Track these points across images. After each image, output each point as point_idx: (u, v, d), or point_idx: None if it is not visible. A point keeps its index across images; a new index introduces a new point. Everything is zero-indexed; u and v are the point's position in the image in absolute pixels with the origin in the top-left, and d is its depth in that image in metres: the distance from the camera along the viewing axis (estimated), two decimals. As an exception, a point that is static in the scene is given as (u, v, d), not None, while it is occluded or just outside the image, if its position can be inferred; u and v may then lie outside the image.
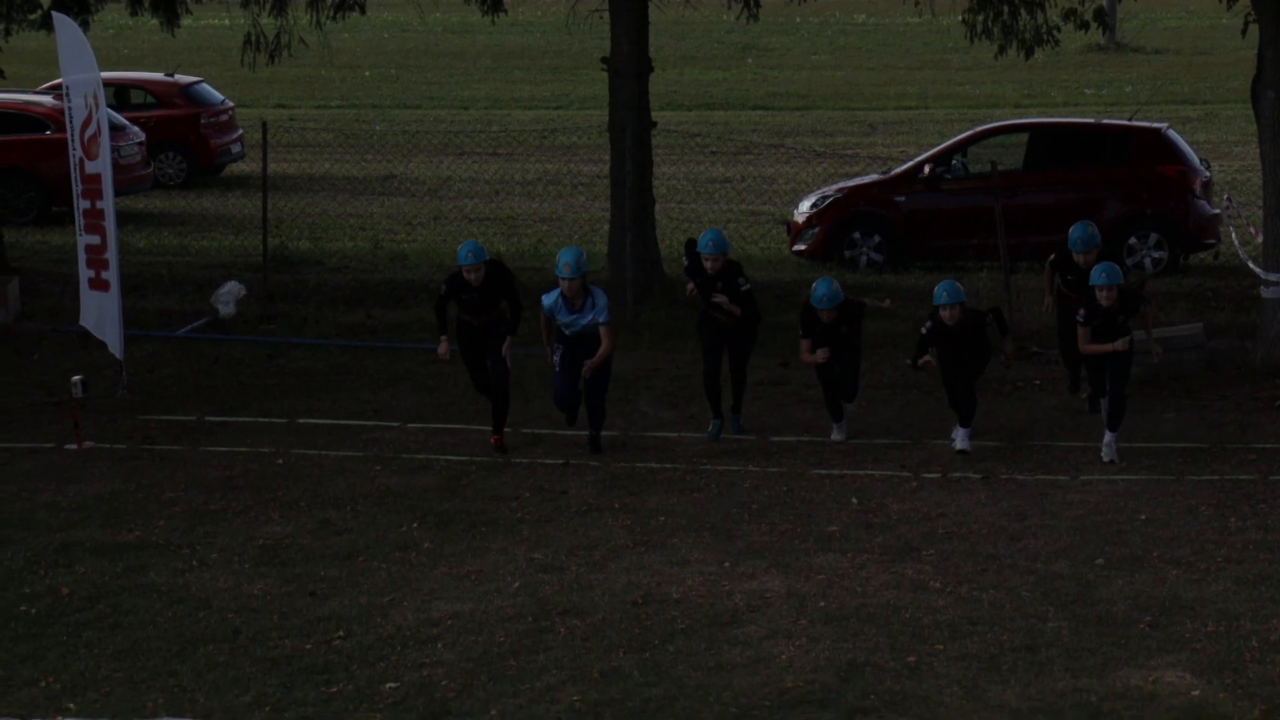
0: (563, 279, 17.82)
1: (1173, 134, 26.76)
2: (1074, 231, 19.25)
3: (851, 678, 12.22)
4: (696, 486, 16.61)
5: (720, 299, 18.74)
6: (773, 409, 19.47)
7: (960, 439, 17.96)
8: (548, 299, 18.07)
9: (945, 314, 17.98)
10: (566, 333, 17.86)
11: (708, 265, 18.66)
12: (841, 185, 27.99)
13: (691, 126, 38.05)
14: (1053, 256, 19.91)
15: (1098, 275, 17.53)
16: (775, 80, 53.84)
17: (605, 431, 18.46)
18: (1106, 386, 17.77)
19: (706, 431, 19.07)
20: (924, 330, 18.56)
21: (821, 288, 18.78)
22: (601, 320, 17.71)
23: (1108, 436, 17.47)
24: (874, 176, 28.34)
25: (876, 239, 26.57)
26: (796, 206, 28.05)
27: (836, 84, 52.56)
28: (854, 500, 15.70)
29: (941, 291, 18.10)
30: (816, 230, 27.03)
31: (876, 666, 12.15)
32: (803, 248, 27.10)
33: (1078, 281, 18.74)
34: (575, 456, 17.40)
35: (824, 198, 27.49)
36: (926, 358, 18.34)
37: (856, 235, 26.72)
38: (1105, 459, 17.28)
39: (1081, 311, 17.62)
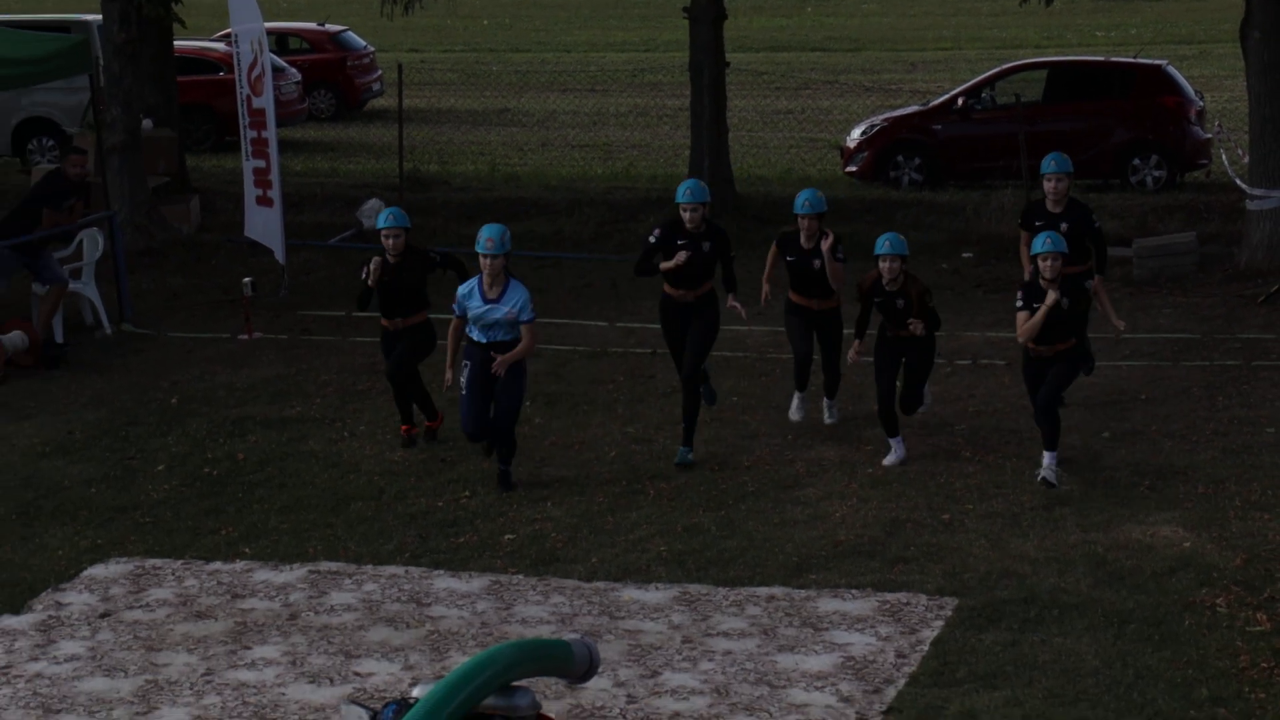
0: (482, 255, 13.96)
1: (1171, 70, 26.64)
2: (1046, 160, 15.45)
3: (894, 532, 12.36)
4: (764, 372, 16.67)
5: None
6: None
7: (895, 450, 13.97)
8: (463, 288, 14.12)
9: (884, 266, 14.03)
10: (477, 335, 13.82)
11: (686, 217, 14.50)
12: (887, 115, 27.90)
13: (759, 66, 37.82)
14: (1024, 209, 16.51)
15: (1041, 242, 13.56)
16: (830, 26, 53.54)
17: None
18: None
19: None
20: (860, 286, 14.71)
21: (804, 194, 15.21)
22: (525, 317, 13.80)
23: (1046, 458, 13.16)
24: (915, 108, 28.27)
25: (917, 161, 26.52)
26: (848, 134, 27.95)
27: (883, 29, 52.21)
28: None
29: (884, 242, 14.12)
30: (865, 154, 26.98)
31: (915, 523, 12.28)
32: (854, 169, 27.07)
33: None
34: (660, 346, 17.43)
35: (872, 126, 27.44)
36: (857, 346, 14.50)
37: (900, 158, 26.67)
38: (1039, 479, 13.11)
39: (1020, 292, 13.67)
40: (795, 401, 14.98)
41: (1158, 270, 19.73)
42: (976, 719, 9.55)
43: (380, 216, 14.95)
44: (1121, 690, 9.85)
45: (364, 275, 14.53)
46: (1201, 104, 26.20)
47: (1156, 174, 25.68)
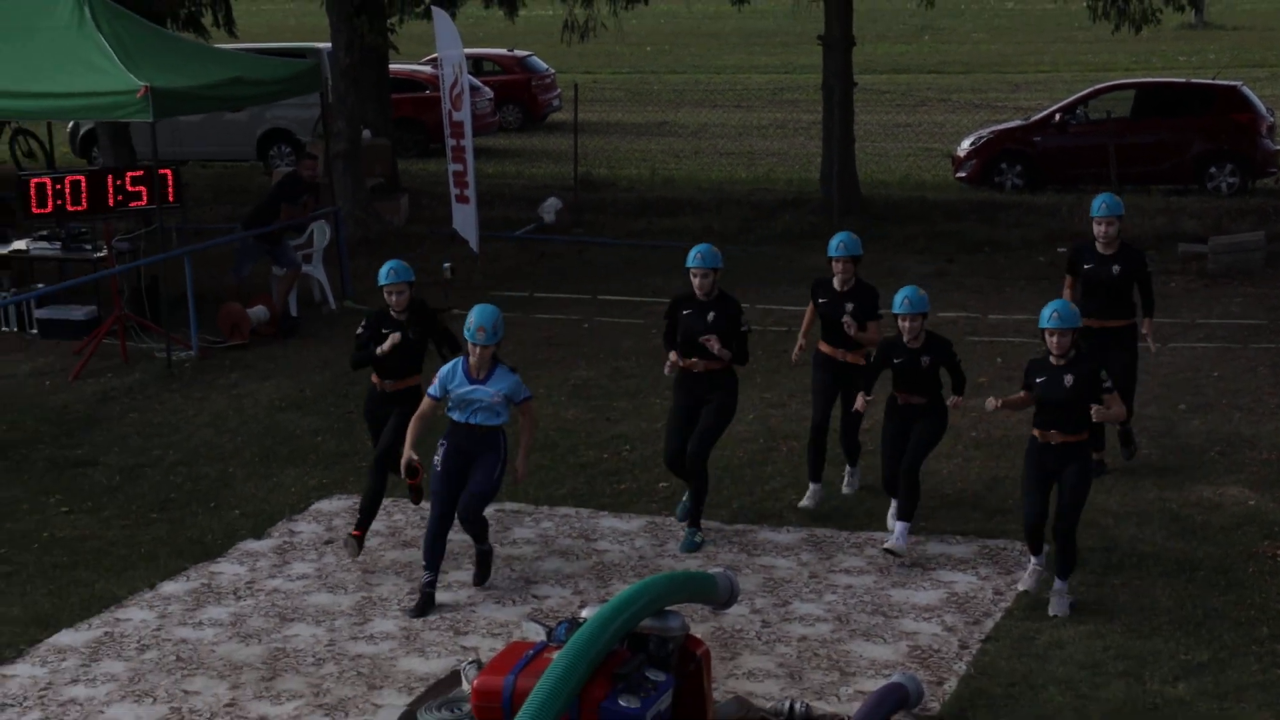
0: (472, 345, 11.01)
1: (1246, 90, 26.27)
2: (1096, 203, 12.52)
3: (994, 488, 12.33)
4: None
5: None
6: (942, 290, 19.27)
7: (896, 535, 10.92)
8: (445, 369, 11.05)
9: (904, 325, 11.07)
10: (456, 415, 10.97)
11: (696, 283, 11.98)
12: (993, 129, 27.61)
13: (882, 86, 37.48)
14: (1071, 251, 13.31)
15: (899, 301, 11.15)
16: (944, 52, 53.02)
17: None
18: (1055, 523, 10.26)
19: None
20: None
21: (838, 236, 12.60)
22: (520, 397, 11.01)
23: (1057, 584, 10.09)
24: (1017, 122, 27.93)
25: (1019, 168, 26.24)
26: (959, 145, 27.72)
27: (990, 55, 51.70)
28: (999, 359, 15.59)
29: (902, 300, 10.99)
30: (974, 162, 26.75)
31: (1012, 480, 12.17)
32: (963, 175, 26.87)
33: (1094, 276, 12.24)
34: (794, 325, 17.31)
35: (979, 138, 27.19)
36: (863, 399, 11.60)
37: (1004, 166, 26.42)
38: (1052, 614, 9.96)
39: (1029, 363, 10.77)
40: (810, 490, 12.15)
41: (1230, 265, 19.47)
42: (1063, 648, 9.53)
43: (381, 272, 11.59)
44: (1191, 627, 9.80)
45: (360, 331, 11.74)
46: (1272, 120, 25.77)
47: (1231, 180, 25.22)
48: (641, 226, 23.47)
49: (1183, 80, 29.03)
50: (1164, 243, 20.80)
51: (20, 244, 18.88)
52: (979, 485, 12.36)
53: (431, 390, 10.89)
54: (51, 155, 26.75)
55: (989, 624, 9.79)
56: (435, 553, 10.55)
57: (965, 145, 27.32)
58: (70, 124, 29.88)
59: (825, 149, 23.51)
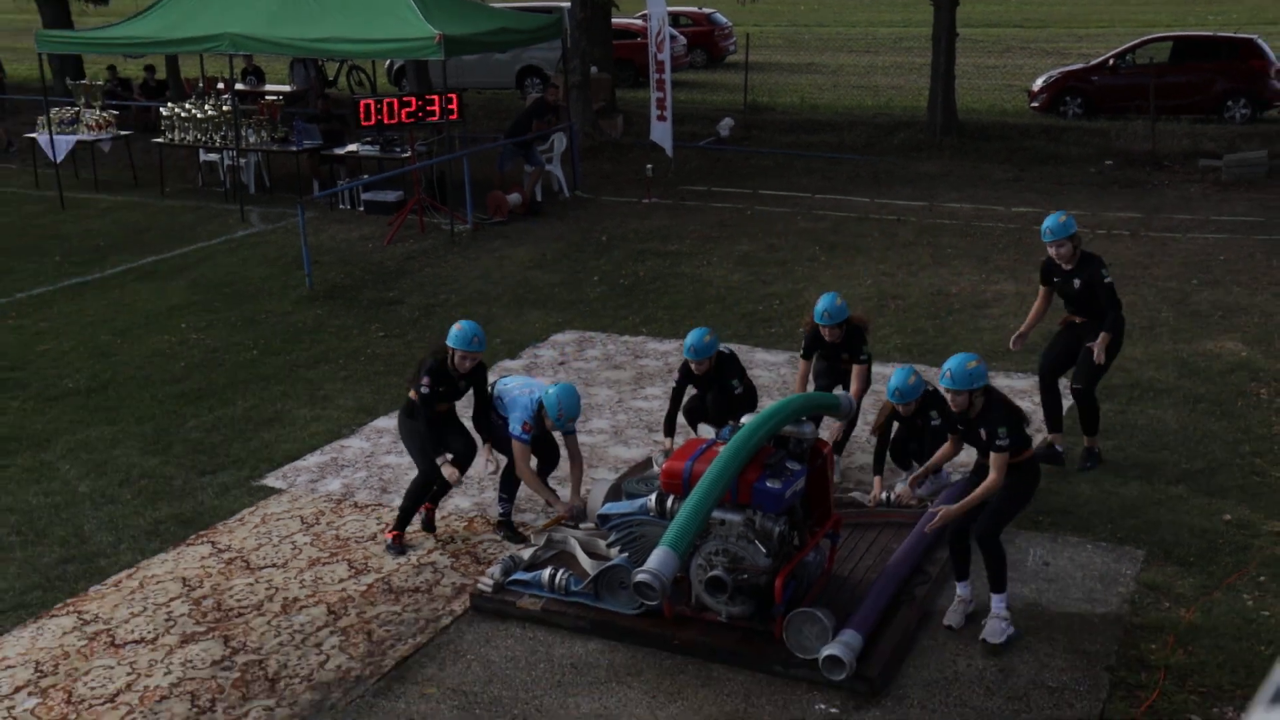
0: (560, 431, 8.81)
1: (1260, 41, 25.32)
2: (1043, 228, 9.52)
3: (1045, 338, 12.19)
4: (968, 233, 16.39)
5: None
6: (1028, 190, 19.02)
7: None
8: (528, 417, 8.55)
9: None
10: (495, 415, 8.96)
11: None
12: (1060, 70, 26.92)
13: (977, 37, 36.80)
14: (1043, 265, 9.93)
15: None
16: (1027, 10, 51.59)
17: None
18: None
19: None
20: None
21: (825, 301, 9.55)
22: (569, 430, 8.78)
23: (994, 604, 7.29)
24: (1079, 65, 27.18)
25: (1079, 101, 25.58)
26: (1034, 82, 27.08)
27: (1061, 13, 50.28)
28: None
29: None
30: (1044, 95, 26.12)
31: (1053, 328, 12.05)
32: (1036, 105, 26.25)
33: (1064, 288, 9.65)
34: (903, 215, 17.23)
35: (1050, 77, 26.52)
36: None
37: (1068, 99, 25.75)
38: (989, 640, 7.19)
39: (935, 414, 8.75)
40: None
41: (1239, 175, 19.07)
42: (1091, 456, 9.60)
43: (461, 337, 8.74)
44: (1191, 445, 9.90)
45: (425, 390, 8.67)
46: (1279, 65, 24.87)
47: (1244, 111, 24.47)
48: (791, 140, 23.36)
49: (1210, 33, 28.07)
50: (1189, 158, 20.35)
51: (353, 147, 19.40)
52: (1037, 337, 12.34)
53: (524, 436, 8.58)
54: (374, 84, 27.19)
55: (1037, 438, 9.82)
56: None
57: (1039, 82, 26.72)
58: (387, 62, 30.24)
59: (932, 84, 23.12)
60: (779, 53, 37.96)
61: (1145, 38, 26.98)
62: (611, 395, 11.17)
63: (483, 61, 28.46)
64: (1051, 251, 9.40)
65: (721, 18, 38.11)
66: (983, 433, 7.31)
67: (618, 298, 14.04)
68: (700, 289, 14.22)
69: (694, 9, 37.88)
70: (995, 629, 7.25)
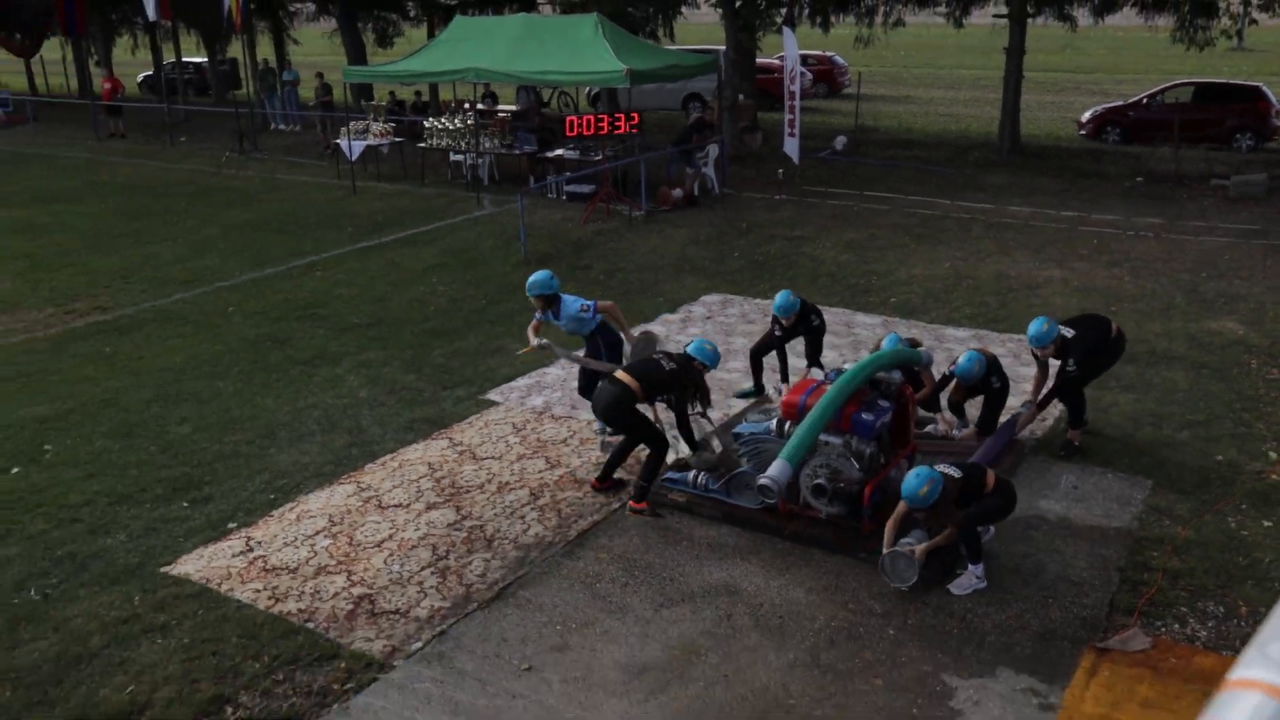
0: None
1: (1265, 89, 23.75)
2: (1029, 334, 8.25)
3: (1083, 308, 11.71)
4: (1026, 230, 15.79)
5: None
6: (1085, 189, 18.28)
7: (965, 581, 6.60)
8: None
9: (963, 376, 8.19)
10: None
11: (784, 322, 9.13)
12: (1104, 106, 25.63)
13: (1038, 78, 35.30)
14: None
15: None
16: (1078, 60, 49.14)
17: None
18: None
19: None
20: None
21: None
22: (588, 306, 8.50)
23: (965, 573, 6.57)
24: (1119, 102, 25.84)
25: (1118, 130, 24.33)
26: (1082, 115, 25.86)
27: (1106, 62, 47.74)
28: (1094, 241, 14.75)
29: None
30: (1090, 125, 24.89)
31: (1092, 306, 11.56)
32: (1083, 133, 25.01)
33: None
34: (974, 215, 16.67)
35: (1095, 111, 25.26)
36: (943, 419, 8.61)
37: (1109, 129, 24.52)
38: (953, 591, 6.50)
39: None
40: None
41: (1244, 193, 17.96)
42: (1119, 408, 9.16)
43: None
44: (1195, 401, 9.48)
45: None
46: (1279, 106, 23.34)
47: (1249, 143, 22.98)
48: (890, 154, 22.72)
49: (1225, 80, 26.43)
50: (1204, 178, 19.16)
51: (559, 151, 19.46)
52: (1073, 310, 11.83)
53: (590, 305, 8.46)
54: (577, 104, 27.22)
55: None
56: None
57: (1086, 115, 25.44)
58: (588, 88, 30.27)
59: (1001, 115, 22.26)
60: (883, 87, 36.87)
61: (1172, 82, 25.57)
62: (745, 344, 11.08)
63: (657, 89, 28.29)
64: (1037, 352, 8.24)
65: (840, 59, 37.17)
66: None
67: (753, 270, 13.90)
68: (816, 265, 13.99)
69: (819, 52, 37.01)
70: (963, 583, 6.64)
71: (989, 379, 8.35)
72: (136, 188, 20.80)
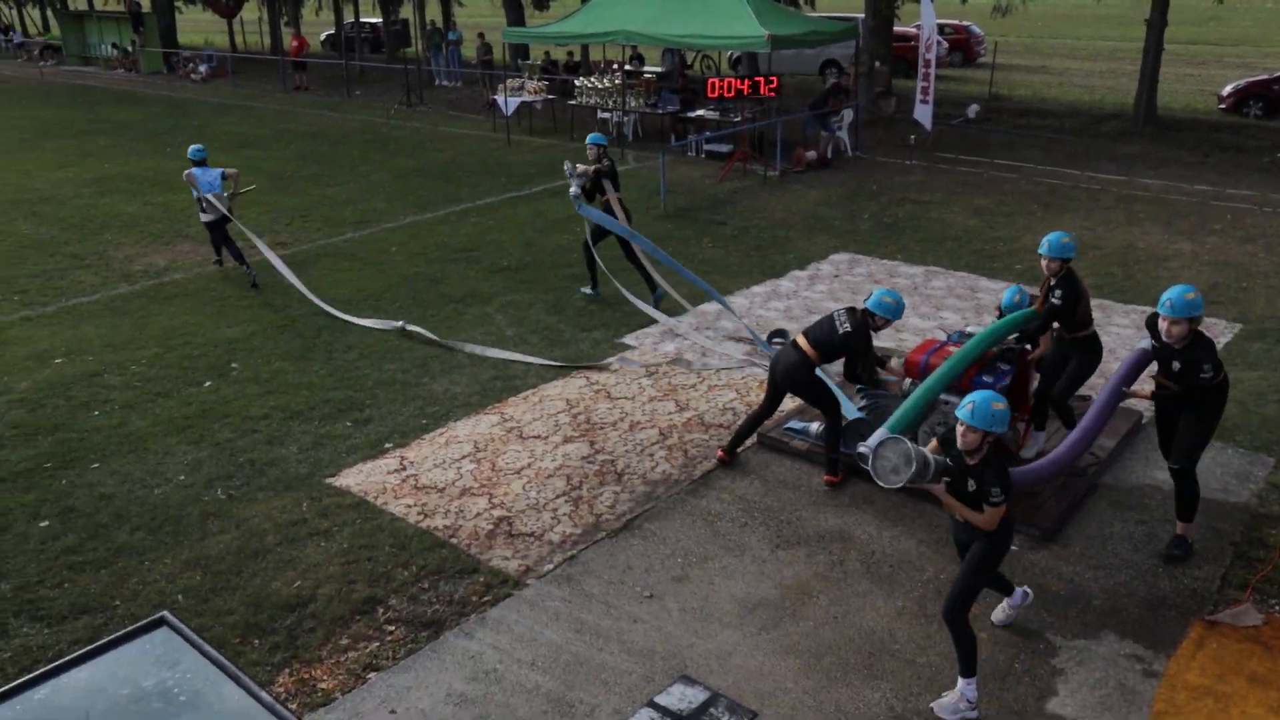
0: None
1: None
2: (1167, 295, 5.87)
3: (1213, 283, 11.02)
4: (1157, 202, 14.88)
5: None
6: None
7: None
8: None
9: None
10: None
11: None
12: (1246, 80, 23.82)
13: (1178, 51, 33.12)
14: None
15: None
16: (1222, 32, 45.83)
17: None
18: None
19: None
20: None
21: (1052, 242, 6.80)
22: None
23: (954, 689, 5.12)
24: (1262, 76, 23.99)
25: (1260, 104, 22.60)
26: (1223, 88, 24.12)
27: (1251, 34, 44.36)
28: (1228, 217, 13.82)
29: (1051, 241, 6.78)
30: (1231, 99, 23.10)
31: (1223, 281, 10.83)
32: (1223, 106, 23.26)
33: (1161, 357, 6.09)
34: (1105, 186, 15.80)
35: (1237, 85, 23.49)
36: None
37: (1251, 102, 22.81)
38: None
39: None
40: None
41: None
42: (1244, 384, 8.62)
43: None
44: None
45: None
46: None
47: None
48: (1022, 123, 21.69)
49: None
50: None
51: (700, 111, 19.22)
52: (1206, 283, 11.09)
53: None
54: (719, 67, 26.79)
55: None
56: None
57: (1227, 89, 23.67)
58: (729, 52, 29.73)
59: (1139, 86, 20.95)
60: (1019, 57, 35.17)
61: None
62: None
63: (796, 55, 27.62)
64: (1163, 326, 5.93)
65: (976, 29, 35.50)
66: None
67: (881, 231, 13.51)
68: (943, 229, 13.50)
69: (956, 21, 35.44)
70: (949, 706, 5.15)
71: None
72: (317, 136, 21.45)
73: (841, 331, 6.91)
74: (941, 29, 32.88)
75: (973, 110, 22.18)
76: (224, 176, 11.36)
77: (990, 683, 5.30)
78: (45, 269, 12.34)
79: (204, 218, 11.53)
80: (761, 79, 17.26)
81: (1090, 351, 7.11)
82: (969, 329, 7.28)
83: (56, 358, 9.58)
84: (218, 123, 23.31)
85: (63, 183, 17.17)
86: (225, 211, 11.32)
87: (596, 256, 10.51)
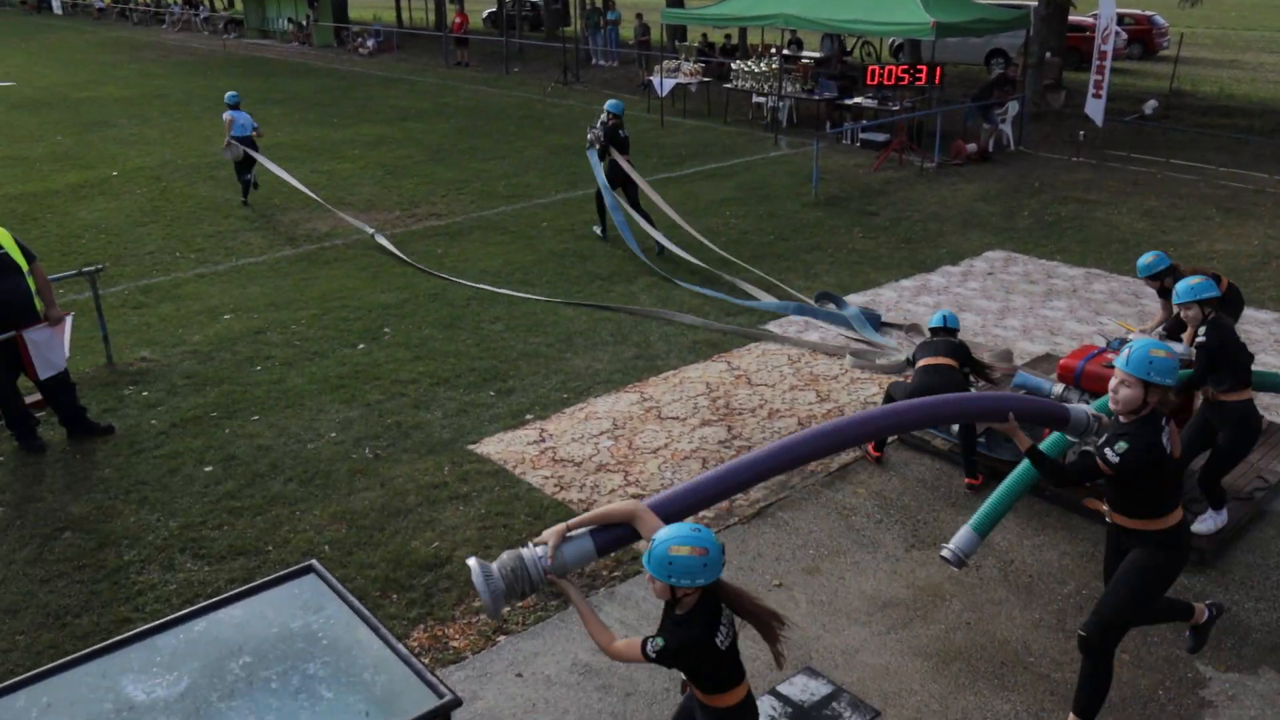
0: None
1: None
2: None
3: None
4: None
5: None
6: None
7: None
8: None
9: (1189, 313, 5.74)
10: None
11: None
12: None
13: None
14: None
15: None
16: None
17: None
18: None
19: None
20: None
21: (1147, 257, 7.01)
22: None
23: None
24: None
25: None
26: None
27: None
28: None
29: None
30: None
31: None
32: None
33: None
34: (1292, 191, 14.75)
35: None
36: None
37: None
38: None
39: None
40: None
41: None
42: None
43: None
44: None
45: None
46: None
47: None
48: (1205, 121, 20.46)
49: None
50: None
51: (858, 99, 18.85)
52: (1245, 260, 10.23)
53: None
54: (879, 55, 26.20)
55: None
56: None
57: None
58: (890, 39, 29.05)
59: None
60: (1206, 50, 33.09)
61: None
62: (1025, 303, 10.40)
63: (960, 43, 26.75)
64: (1178, 312, 5.82)
65: (1160, 19, 33.58)
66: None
67: (1041, 230, 12.98)
68: (1109, 231, 12.87)
69: (1138, 11, 33.62)
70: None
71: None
72: (475, 110, 22.03)
73: (955, 342, 7.04)
74: (1121, 19, 31.28)
75: (1150, 107, 21.03)
76: (256, 128, 13.81)
77: (1130, 707, 5.07)
78: (219, 230, 13.10)
79: (227, 154, 13.70)
80: (924, 67, 16.81)
81: (1245, 424, 5.83)
82: (1130, 336, 6.92)
83: (226, 314, 10.18)
84: (382, 95, 24.19)
85: (239, 148, 18.17)
86: (248, 151, 13.66)
87: (614, 203, 11.96)
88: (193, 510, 6.73)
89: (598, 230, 12.48)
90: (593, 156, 12.11)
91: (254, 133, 13.84)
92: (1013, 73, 18.49)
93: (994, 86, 17.81)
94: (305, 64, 30.80)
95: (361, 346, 9.34)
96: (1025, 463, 5.32)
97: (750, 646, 5.44)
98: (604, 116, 11.90)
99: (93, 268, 8.83)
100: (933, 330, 7.37)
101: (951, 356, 6.94)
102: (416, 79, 27.21)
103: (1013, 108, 17.88)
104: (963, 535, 5.30)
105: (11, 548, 6.34)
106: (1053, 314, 10.04)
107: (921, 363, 6.98)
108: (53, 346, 7.38)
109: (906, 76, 16.84)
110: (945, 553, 5.26)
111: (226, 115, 13.67)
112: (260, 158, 13.79)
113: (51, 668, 3.93)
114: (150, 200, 14.51)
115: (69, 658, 4.01)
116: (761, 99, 20.50)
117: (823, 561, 6.19)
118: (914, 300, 10.40)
